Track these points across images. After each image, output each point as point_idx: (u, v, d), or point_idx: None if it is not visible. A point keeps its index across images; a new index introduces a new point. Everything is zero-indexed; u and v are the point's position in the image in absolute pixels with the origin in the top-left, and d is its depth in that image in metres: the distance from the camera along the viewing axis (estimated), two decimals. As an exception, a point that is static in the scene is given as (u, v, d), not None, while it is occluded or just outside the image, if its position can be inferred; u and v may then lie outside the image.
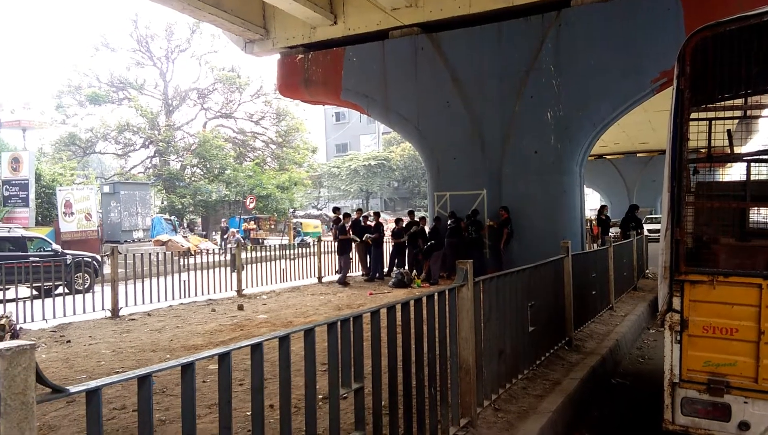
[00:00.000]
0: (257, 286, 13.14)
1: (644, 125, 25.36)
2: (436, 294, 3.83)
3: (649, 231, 19.50)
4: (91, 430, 1.69)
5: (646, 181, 33.88)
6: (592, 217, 22.69)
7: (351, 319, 2.92)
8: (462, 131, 13.29)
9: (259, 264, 13.61)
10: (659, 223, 20.90)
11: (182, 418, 1.99)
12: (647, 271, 13.37)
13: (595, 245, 16.24)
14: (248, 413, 3.97)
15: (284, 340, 2.46)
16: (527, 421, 4.26)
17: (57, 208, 24.34)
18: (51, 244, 16.26)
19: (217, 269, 12.69)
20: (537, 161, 12.58)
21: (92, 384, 1.68)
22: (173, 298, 11.52)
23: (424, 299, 3.69)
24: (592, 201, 45.44)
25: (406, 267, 13.97)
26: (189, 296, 11.85)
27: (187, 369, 1.99)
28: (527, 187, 12.69)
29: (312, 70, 14.76)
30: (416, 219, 14.87)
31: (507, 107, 12.76)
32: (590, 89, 12.03)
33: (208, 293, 12.13)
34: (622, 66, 11.67)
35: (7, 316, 7.81)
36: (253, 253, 15.61)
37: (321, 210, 48.54)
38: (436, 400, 3.72)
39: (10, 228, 16.46)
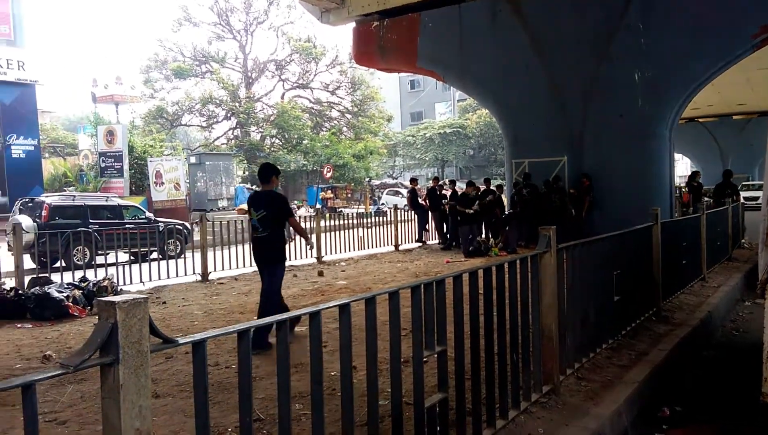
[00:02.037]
0: (336, 253, 13.43)
1: (741, 85, 23.53)
2: (518, 260, 3.78)
3: (746, 199, 18.25)
4: (198, 379, 1.81)
5: (743, 146, 31.53)
6: (682, 184, 21.52)
7: (434, 283, 2.94)
8: (541, 96, 12.87)
9: (337, 232, 13.89)
10: (758, 190, 19.53)
11: (278, 372, 2.09)
12: (743, 240, 12.58)
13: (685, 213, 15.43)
14: (332, 373, 4.11)
15: (371, 302, 2.51)
16: (612, 390, 4.18)
17: (148, 178, 25.72)
18: (144, 212, 17.26)
19: (296, 237, 13.04)
20: (622, 125, 12.02)
21: (198, 336, 1.79)
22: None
23: (506, 265, 3.66)
24: (681, 168, 43.05)
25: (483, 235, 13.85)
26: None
27: (282, 325, 2.08)
28: (611, 153, 12.18)
29: (387, 38, 14.66)
30: (492, 187, 14.65)
31: (589, 69, 12.21)
32: (682, 48, 11.29)
33: (289, 259, 12.50)
34: (718, 22, 10.85)
35: (108, 279, 8.41)
36: (331, 221, 15.92)
37: (396, 179, 48.70)
38: (518, 366, 3.71)
39: (108, 197, 17.59)
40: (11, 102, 23.03)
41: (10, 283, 8.37)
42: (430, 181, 15.96)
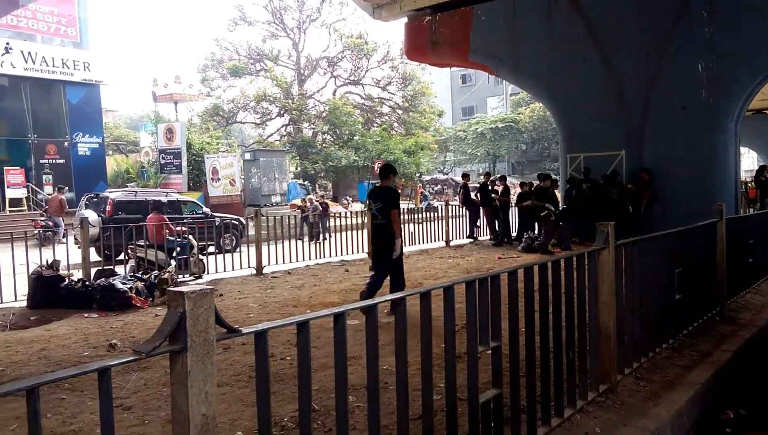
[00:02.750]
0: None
1: (815, 74, 22.25)
2: (575, 257, 3.71)
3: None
4: (260, 368, 1.86)
5: (816, 139, 29.77)
6: (748, 179, 20.54)
7: (488, 278, 2.93)
8: (598, 88, 12.52)
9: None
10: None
11: (335, 363, 2.13)
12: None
13: (751, 210, 14.76)
14: (384, 367, 4.14)
15: (426, 296, 2.52)
16: (673, 391, 4.05)
17: (205, 174, 26.47)
18: (202, 207, 17.80)
19: (348, 232, 13.19)
20: (684, 118, 11.57)
21: (260, 327, 1.85)
22: (309, 259, 12.19)
23: (563, 262, 3.60)
24: (747, 162, 41.06)
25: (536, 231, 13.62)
26: (324, 257, 12.47)
27: (339, 318, 2.12)
28: (673, 147, 11.74)
29: (439, 32, 14.57)
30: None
31: (650, 60, 11.80)
32: (751, 36, 10.77)
33: (341, 254, 12.66)
34: (790, 7, 10.30)
35: (169, 271, 8.72)
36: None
37: (447, 174, 48.42)
38: (574, 364, 3.64)
39: (167, 192, 18.20)
40: (78, 102, 24.11)
41: (77, 274, 8.78)
42: (482, 177, 15.79)
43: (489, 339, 2.91)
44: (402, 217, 14.99)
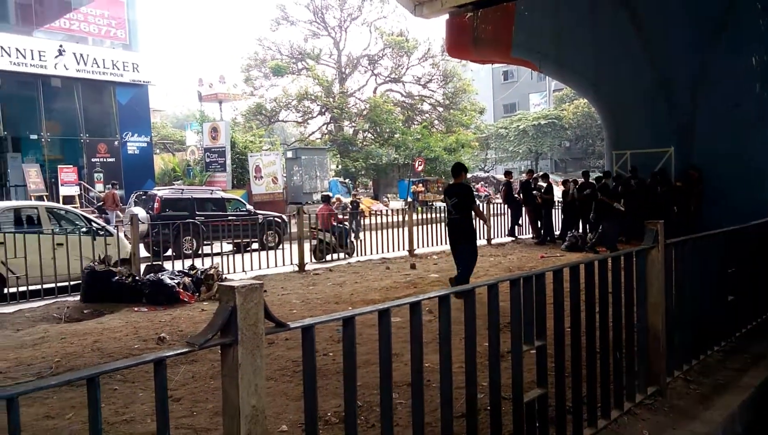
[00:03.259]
0: (428, 246, 13.46)
1: None
2: (623, 256, 3.63)
3: None
4: (307, 362, 1.89)
5: None
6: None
7: (533, 276, 2.90)
8: (645, 83, 12.21)
9: (428, 225, 13.92)
10: None
11: (380, 359, 2.14)
12: None
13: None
14: (426, 365, 4.14)
15: (470, 294, 2.51)
16: (725, 395, 3.93)
17: (249, 172, 26.93)
18: (245, 204, 18.12)
19: (389, 230, 13.22)
20: (737, 114, 11.17)
21: (307, 321, 1.88)
22: (351, 256, 12.27)
23: (610, 261, 3.53)
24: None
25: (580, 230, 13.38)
26: (365, 254, 12.54)
27: (384, 315, 2.13)
28: (725, 144, 11.35)
29: (481, 28, 14.45)
30: (591, 180, 14.09)
31: (699, 54, 11.43)
32: (809, 26, 10.33)
33: (382, 252, 12.71)
34: None
35: (215, 267, 8.91)
36: (423, 214, 15.99)
37: (488, 172, 47.95)
38: (622, 365, 3.57)
39: (212, 190, 18.61)
40: (127, 102, 24.85)
41: (127, 269, 9.06)
42: (524, 175, 15.59)
43: (534, 338, 2.88)
44: (444, 214, 15.04)
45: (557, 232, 14.17)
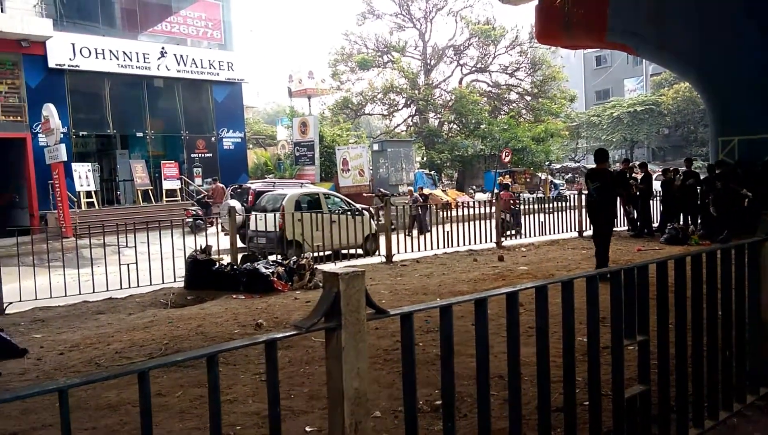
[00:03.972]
0: (515, 238, 13.22)
1: None
2: (733, 248, 3.41)
3: None
4: (406, 348, 1.93)
5: None
6: None
7: (635, 269, 2.79)
8: (756, 64, 11.31)
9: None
10: None
11: (477, 349, 2.15)
12: None
13: None
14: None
15: (568, 286, 2.46)
16: None
17: (336, 165, 27.50)
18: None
19: (475, 221, 13.09)
20: None
21: (406, 309, 1.91)
22: (437, 248, 12.27)
23: (719, 253, 3.32)
24: None
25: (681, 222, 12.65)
26: (452, 246, 12.49)
27: (481, 304, 2.13)
28: None
29: (573, 13, 13.89)
30: (693, 169, 13.28)
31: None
32: None
33: (469, 244, 12.61)
34: None
35: (306, 258, 9.20)
36: (373, 221, 15.70)
37: (579, 162, 46.28)
38: (731, 364, 3.36)
39: (302, 183, 19.21)
40: (222, 99, 26.05)
41: (226, 259, 9.55)
42: (618, 164, 14.92)
43: (636, 333, 2.78)
44: (531, 206, 14.74)
45: (655, 225, 13.48)
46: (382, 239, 11.44)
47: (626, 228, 14.09)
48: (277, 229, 10.97)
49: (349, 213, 12.01)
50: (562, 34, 14.54)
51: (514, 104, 38.25)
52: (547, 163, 36.08)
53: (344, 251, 11.42)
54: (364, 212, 12.72)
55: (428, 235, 13.05)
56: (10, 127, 20.14)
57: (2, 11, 19.13)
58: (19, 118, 20.41)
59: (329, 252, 11.09)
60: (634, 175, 14.55)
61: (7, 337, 5.64)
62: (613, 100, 47.96)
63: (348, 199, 13.90)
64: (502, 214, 13.32)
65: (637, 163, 16.25)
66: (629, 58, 44.04)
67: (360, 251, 12.24)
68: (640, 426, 2.78)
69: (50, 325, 6.89)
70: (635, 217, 13.65)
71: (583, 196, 14.76)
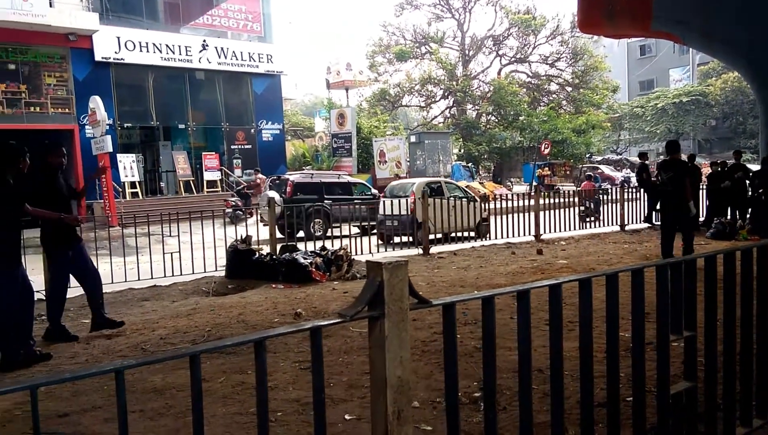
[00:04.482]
0: (554, 232, 13.05)
1: None
2: (787, 243, 3.29)
3: None
4: (448, 339, 1.93)
5: None
6: None
7: (683, 262, 2.72)
8: (813, 52, 10.84)
9: (555, 210, 13.48)
10: None
11: (519, 341, 2.14)
12: None
13: None
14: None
15: (612, 279, 2.42)
16: None
17: (373, 157, 27.58)
18: (370, 188, 18.61)
19: (514, 214, 12.96)
20: None
21: (448, 299, 1.91)
22: (474, 240, 12.20)
23: (772, 248, 3.21)
24: None
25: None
26: (489, 239, 12.40)
27: (523, 296, 2.12)
28: None
29: (617, 1, 13.53)
30: (742, 162, 12.84)
31: None
32: None
33: (507, 237, 12.50)
34: None
35: (344, 248, 9.27)
36: (549, 199, 15.49)
37: (621, 154, 45.24)
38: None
39: (339, 175, 19.31)
40: (262, 92, 26.37)
41: (265, 249, 9.69)
42: (662, 156, 14.54)
43: (682, 328, 2.71)
44: (570, 199, 14.54)
45: (701, 219, 13.10)
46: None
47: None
48: (409, 213, 12.25)
49: (465, 199, 13.21)
50: (605, 23, 14.16)
51: (554, 95, 37.63)
52: (587, 156, 35.40)
53: (456, 234, 11.65)
54: (477, 199, 14.07)
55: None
56: (59, 119, 20.85)
57: (51, 6, 19.72)
58: (67, 110, 21.10)
59: (439, 235, 12.14)
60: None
61: (63, 324, 5.88)
62: (657, 90, 46.60)
63: (464, 188, 15.52)
64: (584, 201, 14.61)
65: (684, 156, 15.78)
66: (675, 47, 42.70)
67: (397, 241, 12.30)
68: (685, 423, 2.72)
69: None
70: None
71: (628, 187, 14.49)
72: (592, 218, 14.88)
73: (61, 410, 3.79)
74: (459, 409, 2.04)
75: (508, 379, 3.85)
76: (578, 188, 17.49)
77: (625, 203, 14.08)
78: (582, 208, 15.04)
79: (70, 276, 5.84)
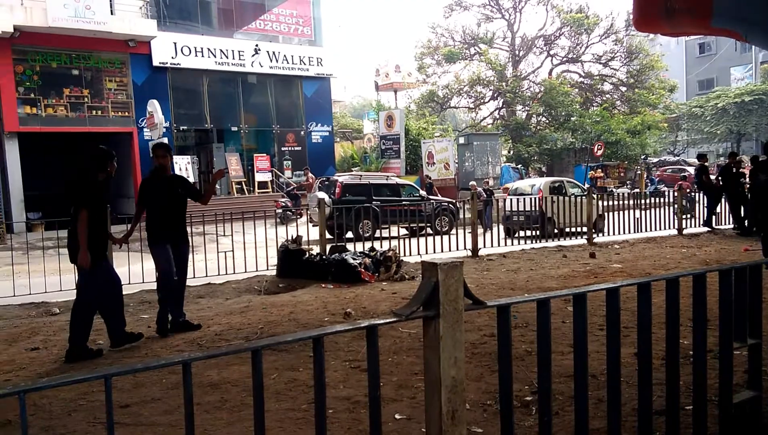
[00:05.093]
0: (608, 235, 12.73)
1: None
2: None
3: None
4: (503, 340, 1.92)
5: None
6: None
7: (747, 268, 2.62)
8: None
9: (608, 213, 13.16)
10: None
11: (575, 345, 2.10)
12: None
13: None
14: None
15: (673, 283, 2.35)
16: None
17: (421, 158, 27.55)
18: (418, 190, 18.60)
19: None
20: None
21: (503, 301, 1.91)
22: (525, 243, 12.03)
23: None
24: None
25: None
26: (539, 241, 12.21)
27: (580, 299, 2.09)
28: None
29: (675, -3, 13.12)
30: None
31: None
32: None
33: (558, 240, 12.27)
34: None
35: (392, 250, 9.31)
36: (602, 201, 15.14)
37: (678, 156, 43.71)
38: None
39: (388, 176, 19.37)
40: (312, 94, 26.74)
41: (315, 249, 9.82)
42: (722, 158, 14.00)
43: (746, 336, 2.61)
44: (626, 202, 14.16)
45: None
46: (466, 232, 11.36)
47: (732, 226, 13.22)
48: (536, 209, 13.14)
49: (584, 196, 13.44)
50: (662, 21, 13.67)
51: (608, 95, 36.69)
52: (642, 157, 34.36)
53: (430, 246, 11.44)
54: (594, 195, 14.60)
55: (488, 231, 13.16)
56: (119, 122, 21.70)
57: (112, 14, 20.55)
58: (126, 114, 21.94)
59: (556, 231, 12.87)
60: (741, 169, 13.61)
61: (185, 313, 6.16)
62: (717, 89, 44.80)
63: (582, 186, 16.60)
64: (682, 200, 14.25)
65: (749, 156, 15.15)
66: (737, 45, 41.02)
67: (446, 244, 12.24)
68: (748, 433, 2.62)
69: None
70: (742, 214, 12.76)
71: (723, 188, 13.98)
72: (688, 217, 14.52)
73: (123, 401, 3.95)
74: (513, 413, 2.02)
75: (559, 384, 3.79)
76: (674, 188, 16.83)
77: (682, 206, 13.59)
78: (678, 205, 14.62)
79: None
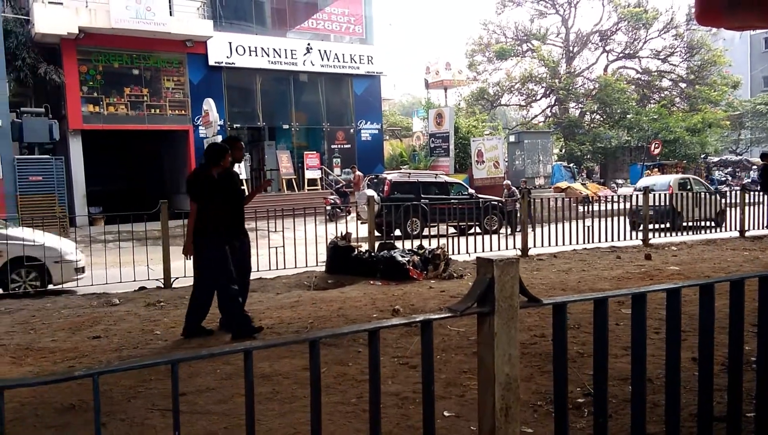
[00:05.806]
0: (665, 236, 12.33)
1: None
2: None
3: None
4: (558, 339, 1.90)
5: None
6: None
7: (819, 272, 2.50)
8: None
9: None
10: None
11: (632, 348, 2.06)
12: None
13: None
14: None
15: (737, 285, 2.27)
16: None
17: (471, 157, 27.31)
18: (467, 188, 18.47)
19: (618, 217, 12.37)
20: None
21: (559, 299, 1.88)
22: (576, 243, 11.78)
23: None
24: None
25: None
26: (592, 242, 11.92)
27: (639, 300, 2.04)
28: None
29: (741, -10, 12.57)
30: None
31: None
32: None
33: (611, 240, 11.95)
34: None
35: (441, 248, 9.27)
36: (723, 199, 14.82)
37: (741, 155, 41.87)
38: None
39: (436, 174, 19.29)
40: (362, 92, 26.89)
41: (364, 246, 9.89)
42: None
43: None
44: (683, 202, 13.71)
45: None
46: (518, 233, 11.22)
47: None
48: (666, 204, 13.68)
49: (707, 193, 14.57)
50: (725, 14, 13.11)
51: (666, 92, 35.52)
52: (702, 156, 33.09)
53: (479, 244, 11.35)
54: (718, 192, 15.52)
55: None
56: (176, 120, 22.38)
57: (171, 15, 21.19)
58: (183, 112, 22.60)
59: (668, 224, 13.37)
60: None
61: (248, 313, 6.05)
62: (784, 86, 42.69)
63: (706, 184, 17.11)
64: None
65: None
66: (807, 38, 38.96)
67: (495, 243, 12.13)
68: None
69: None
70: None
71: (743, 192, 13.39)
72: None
73: (179, 390, 4.07)
74: (568, 413, 1.99)
75: (612, 387, 3.70)
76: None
77: (746, 207, 13.02)
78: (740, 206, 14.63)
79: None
